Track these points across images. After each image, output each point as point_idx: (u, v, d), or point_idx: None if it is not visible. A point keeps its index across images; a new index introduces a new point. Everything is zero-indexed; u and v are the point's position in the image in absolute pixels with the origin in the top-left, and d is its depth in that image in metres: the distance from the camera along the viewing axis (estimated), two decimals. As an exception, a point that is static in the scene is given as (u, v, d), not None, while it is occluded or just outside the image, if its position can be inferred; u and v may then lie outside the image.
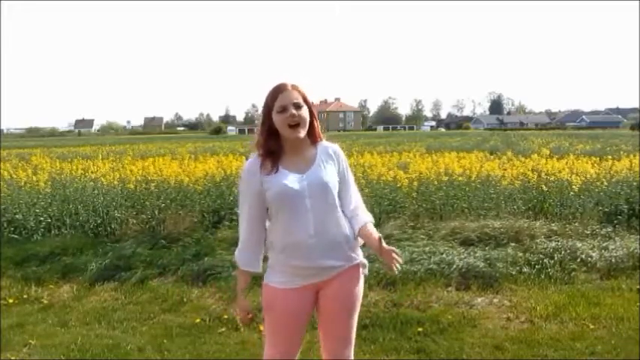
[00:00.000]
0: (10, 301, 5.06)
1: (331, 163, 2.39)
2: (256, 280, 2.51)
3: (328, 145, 2.44)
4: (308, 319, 2.47)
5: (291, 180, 2.30)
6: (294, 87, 2.34)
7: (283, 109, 2.29)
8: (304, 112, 2.31)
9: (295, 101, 2.30)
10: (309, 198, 2.30)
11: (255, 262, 2.42)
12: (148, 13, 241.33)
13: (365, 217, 2.44)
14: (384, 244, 2.28)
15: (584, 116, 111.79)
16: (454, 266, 5.24)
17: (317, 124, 2.40)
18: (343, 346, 2.47)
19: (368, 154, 11.98)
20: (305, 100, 2.34)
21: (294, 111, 2.28)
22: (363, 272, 2.48)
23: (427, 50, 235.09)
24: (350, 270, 2.41)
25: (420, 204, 7.21)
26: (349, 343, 2.48)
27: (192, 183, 7.65)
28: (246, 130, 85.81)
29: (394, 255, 2.26)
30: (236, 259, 2.46)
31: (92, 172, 8.78)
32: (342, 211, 2.42)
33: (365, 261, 2.48)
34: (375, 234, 2.38)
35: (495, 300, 4.76)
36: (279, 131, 2.32)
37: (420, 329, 4.16)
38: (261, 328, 3.57)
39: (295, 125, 2.29)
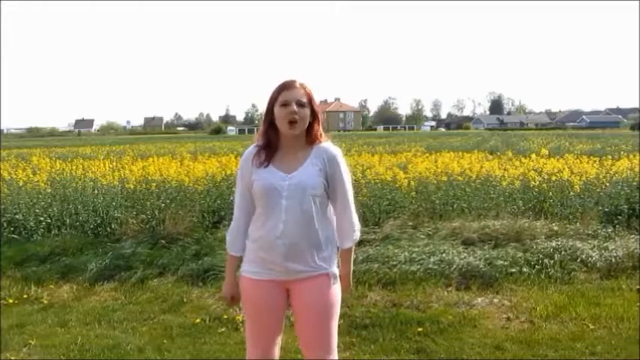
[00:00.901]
0: (10, 301, 5.06)
1: (321, 167, 2.36)
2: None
3: (327, 149, 2.40)
4: (280, 313, 2.48)
5: (275, 178, 2.34)
6: (302, 85, 2.38)
7: (285, 104, 2.32)
8: (305, 111, 2.34)
9: (298, 99, 2.33)
10: (286, 199, 2.32)
11: (237, 246, 2.48)
12: (148, 13, 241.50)
13: (348, 241, 2.46)
14: (350, 282, 2.55)
15: (584, 116, 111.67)
16: (454, 266, 5.24)
17: (317, 126, 2.40)
18: (324, 353, 2.41)
19: (367, 154, 11.99)
20: (310, 101, 2.36)
21: (295, 108, 2.31)
22: (334, 283, 2.43)
23: (427, 50, 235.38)
24: (318, 278, 2.38)
25: (419, 204, 7.21)
26: (330, 350, 2.42)
27: (192, 183, 7.65)
28: (246, 130, 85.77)
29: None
30: (226, 237, 2.56)
31: (92, 172, 8.78)
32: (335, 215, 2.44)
33: (336, 272, 2.44)
34: (347, 267, 2.51)
35: (495, 300, 4.76)
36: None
37: (419, 329, 4.16)
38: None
39: (293, 122, 2.32)
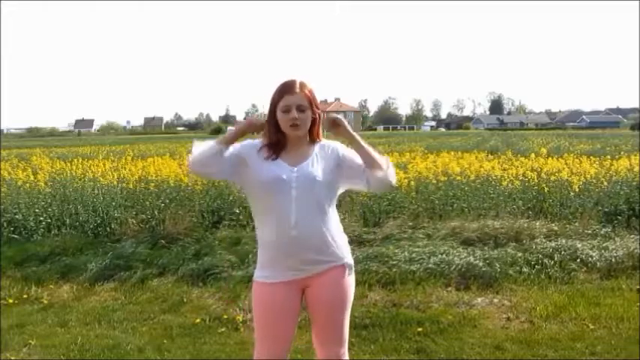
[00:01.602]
0: (10, 301, 5.06)
1: (326, 159, 2.45)
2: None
3: (327, 144, 2.51)
4: (295, 317, 2.49)
5: (283, 170, 2.39)
6: (302, 88, 2.40)
7: (287, 110, 2.37)
8: (306, 115, 2.40)
9: (299, 104, 2.38)
10: (296, 189, 2.36)
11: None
12: (148, 13, 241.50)
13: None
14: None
15: (584, 116, 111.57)
16: (454, 266, 5.24)
17: (318, 127, 2.48)
18: (338, 346, 2.50)
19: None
20: (310, 103, 2.40)
21: (295, 114, 2.37)
22: (349, 274, 2.49)
23: (427, 50, 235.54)
24: (335, 270, 2.45)
25: (419, 204, 7.21)
26: (343, 342, 2.52)
27: (191, 183, 7.64)
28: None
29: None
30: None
31: (92, 172, 8.77)
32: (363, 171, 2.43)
33: (351, 262, 2.51)
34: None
35: (495, 300, 4.76)
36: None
37: (419, 329, 4.16)
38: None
39: (295, 126, 2.38)
